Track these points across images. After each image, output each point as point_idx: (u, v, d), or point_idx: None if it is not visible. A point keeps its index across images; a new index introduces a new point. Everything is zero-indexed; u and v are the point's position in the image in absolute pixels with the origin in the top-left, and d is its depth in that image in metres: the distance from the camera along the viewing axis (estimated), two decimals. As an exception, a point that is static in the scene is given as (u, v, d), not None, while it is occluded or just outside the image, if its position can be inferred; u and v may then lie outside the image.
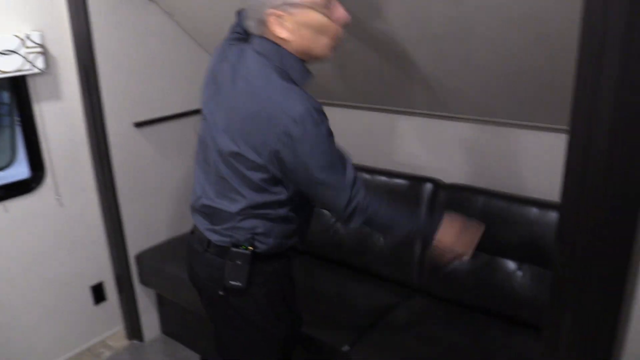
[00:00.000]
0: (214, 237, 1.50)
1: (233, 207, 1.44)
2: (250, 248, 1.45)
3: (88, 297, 2.65)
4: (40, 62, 2.21)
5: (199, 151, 1.54)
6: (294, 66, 1.37)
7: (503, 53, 1.72)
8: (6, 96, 2.59)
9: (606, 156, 1.05)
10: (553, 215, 1.93)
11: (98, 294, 2.68)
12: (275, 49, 1.35)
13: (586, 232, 1.11)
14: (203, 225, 1.54)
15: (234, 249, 1.45)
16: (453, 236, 1.53)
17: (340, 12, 1.37)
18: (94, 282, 2.65)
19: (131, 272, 2.64)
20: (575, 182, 1.09)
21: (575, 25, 1.06)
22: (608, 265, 1.11)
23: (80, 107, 2.40)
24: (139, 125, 2.53)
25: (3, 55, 2.11)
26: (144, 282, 2.66)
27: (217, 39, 1.69)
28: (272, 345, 1.59)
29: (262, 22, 1.35)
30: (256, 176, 1.37)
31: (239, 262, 1.45)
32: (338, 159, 1.35)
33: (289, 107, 1.27)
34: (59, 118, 2.38)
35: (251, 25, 1.40)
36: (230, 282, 1.46)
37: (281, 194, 1.41)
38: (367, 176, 2.40)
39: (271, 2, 1.31)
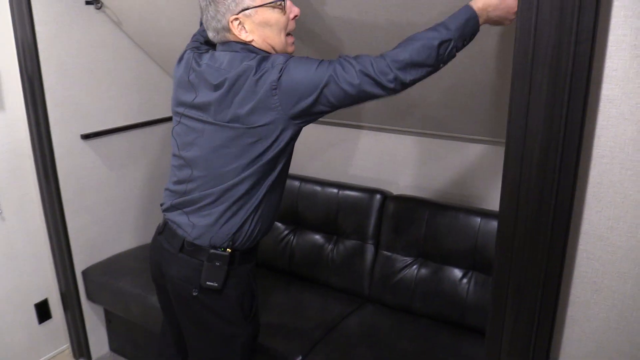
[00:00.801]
0: (192, 234, 1.52)
1: (220, 205, 1.48)
2: (229, 250, 1.50)
3: (32, 315, 2.54)
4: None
5: (175, 152, 1.59)
6: (255, 49, 1.46)
7: (446, 68, 1.79)
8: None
9: (539, 166, 1.11)
10: (495, 225, 2.01)
11: (42, 311, 2.58)
12: (243, 46, 1.46)
13: (522, 238, 1.18)
14: (183, 216, 1.55)
15: (213, 251, 1.50)
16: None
17: (291, 7, 1.47)
18: (38, 299, 2.55)
19: (78, 288, 2.56)
20: (512, 191, 1.15)
21: (510, 44, 1.14)
22: (544, 270, 1.17)
23: (24, 118, 2.33)
24: (86, 137, 2.47)
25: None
26: (91, 298, 2.59)
27: (166, 50, 1.69)
28: (238, 347, 1.61)
29: (226, 30, 1.44)
30: (253, 152, 1.42)
31: (217, 264, 1.50)
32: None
33: (271, 59, 1.39)
34: (1, 129, 2.30)
35: (213, 36, 1.49)
36: (207, 282, 1.50)
37: (269, 177, 1.48)
38: (317, 188, 2.44)
39: (231, 10, 1.41)
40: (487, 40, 1.58)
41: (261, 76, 1.37)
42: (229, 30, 1.44)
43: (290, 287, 2.41)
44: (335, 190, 2.39)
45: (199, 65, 1.49)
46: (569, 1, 1.01)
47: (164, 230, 1.62)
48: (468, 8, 1.31)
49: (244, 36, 1.44)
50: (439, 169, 2.32)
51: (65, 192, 2.42)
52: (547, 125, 1.08)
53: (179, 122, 1.56)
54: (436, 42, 1.29)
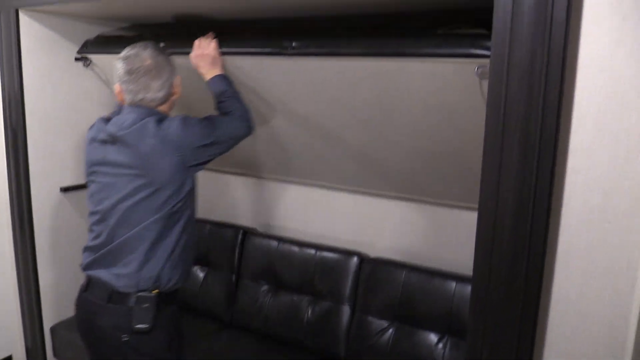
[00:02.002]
0: (118, 284, 1.64)
1: (138, 250, 1.64)
2: (156, 291, 1.63)
3: (-7, 372, 2.44)
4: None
5: (92, 209, 1.75)
6: (163, 117, 1.72)
7: (422, 135, 1.87)
8: None
9: (511, 233, 1.16)
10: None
11: (5, 368, 2.48)
12: (146, 109, 1.69)
13: (495, 303, 1.20)
14: (104, 270, 1.68)
15: (141, 294, 1.63)
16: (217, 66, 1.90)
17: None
18: (2, 355, 2.46)
19: (45, 344, 2.47)
20: (484, 256, 1.19)
21: (482, 112, 1.20)
22: (517, 335, 1.19)
23: (4, 169, 2.33)
24: (66, 190, 2.47)
25: None
26: (58, 355, 2.49)
27: (154, 109, 1.75)
28: None
29: (171, 87, 1.74)
30: (159, 198, 1.62)
31: (145, 305, 1.62)
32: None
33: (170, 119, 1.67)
34: (-21, 179, 2.30)
35: (148, 97, 1.69)
36: (137, 325, 1.61)
37: (180, 220, 1.68)
38: (295, 249, 2.44)
39: (174, 74, 1.75)
40: (463, 110, 1.66)
41: (162, 132, 1.61)
42: (168, 90, 1.72)
43: (265, 348, 2.36)
44: (312, 252, 2.40)
45: (106, 124, 1.70)
46: (536, 76, 1.09)
47: (88, 286, 1.73)
48: (222, 79, 1.87)
49: (175, 95, 1.77)
50: (416, 232, 2.35)
51: (39, 245, 2.39)
52: (518, 193, 1.13)
53: (93, 181, 1.74)
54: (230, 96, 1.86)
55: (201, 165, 1.70)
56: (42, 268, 2.41)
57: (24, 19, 2.20)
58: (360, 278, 2.28)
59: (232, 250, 2.61)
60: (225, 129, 1.75)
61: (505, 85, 1.12)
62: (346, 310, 2.28)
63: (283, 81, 1.94)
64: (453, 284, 2.08)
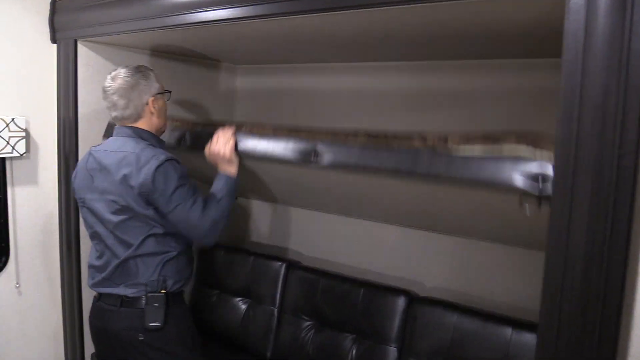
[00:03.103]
0: (128, 292, 1.81)
1: (138, 253, 1.81)
2: (163, 291, 1.81)
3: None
4: (21, 146, 2.21)
5: (88, 232, 1.92)
6: (150, 138, 1.88)
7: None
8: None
9: (583, 280, 1.05)
10: (528, 336, 1.90)
11: (46, 395, 2.47)
12: (133, 130, 1.86)
13: (563, 354, 1.09)
14: (113, 287, 1.84)
15: (150, 294, 1.80)
16: (232, 167, 1.92)
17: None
18: (42, 379, 2.46)
19: (85, 372, 2.46)
20: (553, 305, 1.08)
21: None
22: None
23: (55, 195, 2.37)
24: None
25: (-15, 137, 2.12)
26: (97, 383, 2.47)
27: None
28: None
29: (143, 107, 1.85)
30: (149, 227, 1.79)
31: (156, 305, 1.79)
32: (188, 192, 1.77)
33: (152, 156, 1.75)
34: (33, 203, 2.33)
35: (123, 114, 1.85)
36: (150, 324, 1.77)
37: (174, 232, 1.82)
38: (340, 284, 2.35)
39: (150, 92, 1.86)
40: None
41: (140, 163, 1.73)
42: (144, 109, 1.86)
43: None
44: (358, 288, 2.31)
45: (95, 152, 1.87)
46: (611, 111, 1.00)
47: (101, 297, 1.89)
48: (230, 179, 1.90)
49: (151, 113, 1.87)
50: (469, 271, 2.23)
51: (84, 271, 2.38)
52: (591, 235, 1.03)
53: (83, 206, 1.90)
54: (230, 206, 1.88)
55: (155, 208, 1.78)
56: (87, 294, 2.40)
57: (81, 49, 2.26)
58: (408, 318, 2.16)
59: (275, 283, 2.54)
60: (187, 216, 1.76)
61: (576, 121, 1.03)
62: (392, 352, 2.16)
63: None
64: (509, 330, 1.94)
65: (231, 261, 2.73)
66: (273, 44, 2.11)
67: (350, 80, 2.56)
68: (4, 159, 2.22)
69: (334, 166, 1.65)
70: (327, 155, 1.67)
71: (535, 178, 1.23)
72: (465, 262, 2.25)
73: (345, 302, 2.32)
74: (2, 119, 2.15)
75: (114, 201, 1.78)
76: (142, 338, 1.79)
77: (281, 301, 2.52)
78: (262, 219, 2.97)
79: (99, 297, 1.90)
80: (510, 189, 1.29)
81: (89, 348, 2.45)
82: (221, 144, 1.89)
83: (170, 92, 1.98)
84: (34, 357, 2.41)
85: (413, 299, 2.20)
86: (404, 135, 1.52)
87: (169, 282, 1.84)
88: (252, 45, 2.21)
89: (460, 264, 2.26)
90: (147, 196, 1.73)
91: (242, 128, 1.93)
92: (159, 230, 1.80)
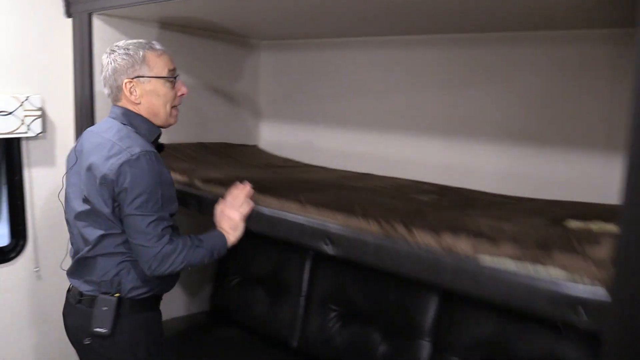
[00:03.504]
0: (83, 288, 1.65)
1: (94, 253, 1.62)
2: (117, 295, 1.61)
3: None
4: (37, 126, 2.12)
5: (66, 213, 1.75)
6: (141, 125, 1.67)
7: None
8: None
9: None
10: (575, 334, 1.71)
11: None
12: (124, 112, 1.67)
13: None
14: (76, 279, 1.69)
15: (101, 296, 1.61)
16: (235, 234, 1.71)
17: (181, 87, 1.72)
18: (66, 365, 2.39)
19: None
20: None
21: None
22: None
23: (73, 176, 2.28)
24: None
25: (-1, 116, 2.03)
26: None
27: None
28: None
29: (119, 89, 1.65)
30: (110, 223, 1.58)
31: (104, 309, 1.60)
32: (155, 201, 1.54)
33: (127, 147, 1.54)
34: (50, 185, 2.24)
35: (107, 93, 1.69)
36: (96, 329, 1.59)
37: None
38: (370, 273, 2.19)
39: (127, 74, 1.63)
40: None
41: (110, 156, 1.54)
42: (121, 90, 1.64)
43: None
44: (389, 277, 2.15)
45: (85, 132, 1.74)
46: None
47: (70, 287, 1.75)
48: (223, 239, 1.69)
49: (132, 98, 1.64)
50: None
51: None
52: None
53: (63, 188, 1.75)
54: (201, 261, 1.64)
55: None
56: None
57: (97, 23, 2.15)
58: (444, 311, 2.00)
59: (302, 271, 2.41)
60: (141, 231, 1.53)
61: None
62: (426, 346, 2.01)
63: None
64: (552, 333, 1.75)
65: (256, 245, 2.60)
66: (299, 12, 1.94)
67: (380, 55, 2.39)
68: (19, 139, 2.14)
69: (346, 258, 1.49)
70: (339, 246, 1.47)
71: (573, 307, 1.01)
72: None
73: (376, 292, 2.17)
74: (15, 97, 2.06)
75: (81, 189, 1.62)
76: (88, 342, 1.63)
77: (308, 289, 2.39)
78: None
79: (69, 288, 1.76)
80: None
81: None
82: (235, 207, 1.69)
83: (170, 77, 1.68)
84: (54, 342, 2.34)
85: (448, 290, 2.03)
86: (426, 225, 1.31)
87: (125, 287, 1.63)
88: (277, 15, 2.05)
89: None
90: (110, 191, 1.54)
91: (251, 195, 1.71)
92: (117, 230, 1.59)
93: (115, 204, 1.56)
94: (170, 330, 2.53)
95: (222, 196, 1.74)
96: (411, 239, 1.29)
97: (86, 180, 1.59)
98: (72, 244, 1.74)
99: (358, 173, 2.39)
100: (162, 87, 1.67)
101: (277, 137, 2.88)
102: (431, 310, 2.03)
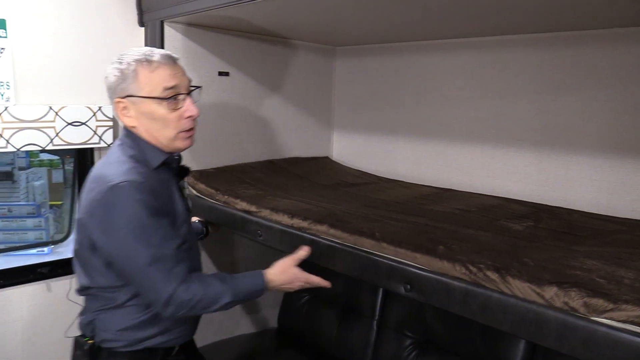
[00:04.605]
0: (76, 322, 1.51)
1: (84, 295, 1.46)
2: (91, 341, 1.42)
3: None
4: (108, 136, 2.11)
5: None
6: (145, 148, 1.42)
7: None
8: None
9: None
10: None
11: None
12: (128, 134, 1.44)
13: None
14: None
15: (78, 338, 1.46)
16: (282, 278, 1.50)
17: (187, 107, 1.42)
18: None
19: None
20: None
21: None
22: None
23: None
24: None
25: (73, 127, 2.02)
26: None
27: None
28: None
29: (114, 109, 1.43)
30: (93, 258, 1.37)
31: (77, 353, 1.44)
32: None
33: (107, 175, 1.32)
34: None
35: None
36: None
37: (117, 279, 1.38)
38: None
39: (117, 92, 1.40)
40: None
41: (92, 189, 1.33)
42: (115, 110, 1.42)
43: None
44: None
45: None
46: None
47: None
48: (260, 278, 1.46)
49: (127, 121, 1.42)
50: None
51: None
52: None
53: None
54: (224, 301, 1.37)
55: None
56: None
57: (168, 31, 2.11)
58: (537, 344, 1.77)
59: (375, 291, 2.24)
60: (145, 262, 1.28)
61: None
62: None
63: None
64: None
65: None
66: (379, 16, 1.78)
67: (464, 58, 2.19)
68: (92, 149, 2.13)
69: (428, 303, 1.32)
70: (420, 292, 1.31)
71: None
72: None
73: (458, 319, 1.96)
74: (89, 107, 2.05)
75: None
76: None
77: (382, 312, 2.21)
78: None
79: None
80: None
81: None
82: (302, 282, 1.52)
83: (163, 98, 1.38)
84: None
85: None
86: (525, 273, 1.12)
87: (101, 333, 1.41)
88: (358, 18, 1.90)
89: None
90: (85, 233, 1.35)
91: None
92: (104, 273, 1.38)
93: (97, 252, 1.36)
94: (235, 348, 2.45)
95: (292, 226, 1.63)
96: (506, 289, 1.10)
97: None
98: None
99: (438, 189, 2.21)
100: (157, 109, 1.38)
101: (351, 148, 2.75)
102: (523, 341, 1.80)
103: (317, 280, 1.54)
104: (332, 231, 1.55)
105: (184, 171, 1.58)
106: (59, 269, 2.14)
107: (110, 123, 2.10)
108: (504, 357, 1.82)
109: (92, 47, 2.08)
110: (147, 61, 1.37)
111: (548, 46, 1.93)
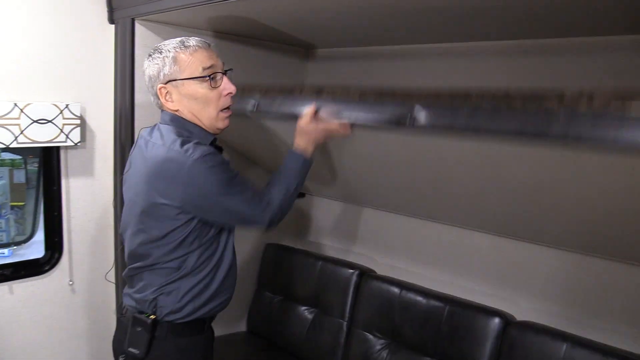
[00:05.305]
0: (127, 301, 1.60)
1: (142, 275, 1.55)
2: (153, 316, 1.50)
3: (86, 400, 2.29)
4: (75, 135, 2.06)
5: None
6: (193, 130, 1.52)
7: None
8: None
9: None
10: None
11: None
12: (173, 117, 1.53)
13: None
14: (125, 290, 1.64)
15: (137, 315, 1.53)
16: (305, 139, 1.63)
17: (225, 85, 1.52)
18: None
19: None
20: None
21: None
22: None
23: (111, 187, 2.21)
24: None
25: (38, 124, 1.97)
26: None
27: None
28: None
29: (156, 96, 1.52)
30: (163, 227, 1.47)
31: (139, 329, 1.51)
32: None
33: (180, 151, 1.42)
34: (87, 196, 2.19)
35: (152, 100, 1.56)
36: (130, 348, 1.51)
37: (188, 255, 1.49)
38: (421, 300, 2.03)
39: (159, 79, 1.49)
40: None
41: (169, 168, 1.42)
42: (157, 97, 1.51)
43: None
44: (441, 304, 1.98)
45: (140, 140, 1.59)
46: None
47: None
48: (293, 154, 1.61)
49: (170, 105, 1.51)
50: (577, 293, 1.85)
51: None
52: None
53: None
54: (292, 188, 1.58)
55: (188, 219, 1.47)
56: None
57: (139, 29, 2.07)
58: (503, 346, 1.81)
59: (345, 294, 2.26)
60: (239, 205, 1.49)
61: None
62: (483, 383, 1.83)
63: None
64: (634, 370, 1.55)
65: (297, 265, 2.48)
66: (358, 13, 1.77)
67: (439, 65, 2.17)
68: (58, 148, 2.08)
69: (434, 127, 1.35)
70: (425, 116, 1.35)
71: None
72: (572, 282, 1.87)
73: (426, 321, 2.00)
74: (55, 105, 2.00)
75: (133, 200, 1.57)
76: (122, 358, 1.56)
77: (352, 314, 2.24)
78: (332, 218, 2.69)
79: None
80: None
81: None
82: (320, 124, 1.62)
83: (205, 76, 1.49)
84: (85, 357, 2.26)
85: (509, 323, 1.84)
86: (533, 95, 1.15)
87: (163, 308, 1.52)
88: (330, 18, 1.90)
89: (566, 283, 1.88)
90: (173, 201, 1.45)
91: (322, 94, 1.66)
92: (170, 246, 1.50)
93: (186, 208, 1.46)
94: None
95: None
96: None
97: (145, 191, 1.47)
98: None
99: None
100: (199, 89, 1.49)
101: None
102: (489, 343, 1.85)
103: (335, 126, 1.61)
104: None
105: (220, 150, 1.64)
106: (22, 270, 2.08)
107: (78, 121, 2.05)
108: (470, 358, 1.86)
109: (59, 44, 2.03)
110: (184, 46, 1.48)
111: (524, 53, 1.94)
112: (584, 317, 1.83)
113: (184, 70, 1.47)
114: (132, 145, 2.05)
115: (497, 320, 1.84)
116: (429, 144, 1.72)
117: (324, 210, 2.72)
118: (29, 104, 1.94)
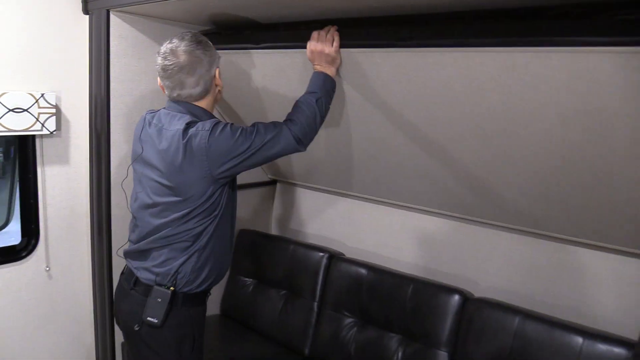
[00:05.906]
0: (142, 275, 1.70)
1: (162, 250, 1.68)
2: (172, 288, 1.64)
3: (65, 384, 2.35)
4: (51, 124, 2.09)
5: (132, 202, 1.80)
6: (201, 114, 1.67)
7: (558, 154, 1.54)
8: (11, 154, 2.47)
9: None
10: (603, 348, 1.66)
11: (76, 381, 2.38)
12: (185, 105, 1.67)
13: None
14: (135, 265, 1.74)
15: (157, 287, 1.65)
16: (324, 60, 1.73)
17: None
18: (72, 367, 2.37)
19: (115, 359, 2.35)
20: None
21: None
22: None
23: (86, 175, 2.25)
24: (147, 198, 2.35)
25: (14, 113, 2.00)
26: (127, 372, 2.36)
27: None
28: None
29: (211, 82, 1.68)
30: (186, 206, 1.62)
31: (159, 300, 1.64)
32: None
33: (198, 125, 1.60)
34: (63, 184, 2.22)
35: (190, 92, 1.65)
36: (148, 318, 1.63)
37: (206, 228, 1.66)
38: (389, 280, 2.16)
39: (216, 63, 1.69)
40: (622, 122, 1.33)
41: (189, 140, 1.57)
42: (211, 85, 1.69)
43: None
44: (406, 284, 2.11)
45: (149, 125, 1.72)
46: None
47: (124, 270, 1.83)
48: (316, 76, 1.74)
49: (218, 82, 1.71)
50: (532, 272, 2.01)
51: (116, 255, 2.27)
52: None
53: (135, 171, 1.78)
54: (321, 103, 1.70)
55: (230, 176, 1.66)
56: (117, 278, 2.29)
57: (114, 20, 2.11)
58: (462, 320, 1.95)
59: (315, 276, 2.37)
60: (268, 140, 1.62)
61: None
62: (443, 356, 1.97)
63: (394, 80, 1.68)
64: (579, 340, 1.70)
65: (269, 249, 2.57)
66: None
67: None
68: (33, 136, 2.11)
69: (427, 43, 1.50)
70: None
71: None
72: (527, 262, 2.03)
73: (391, 300, 2.13)
74: (31, 94, 2.02)
75: (157, 178, 1.69)
76: (137, 328, 1.67)
77: (322, 295, 2.35)
78: (303, 206, 2.80)
79: (124, 270, 1.84)
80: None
81: (120, 336, 2.34)
82: (325, 41, 1.70)
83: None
84: (64, 343, 2.32)
85: (467, 299, 1.99)
86: None
87: (181, 282, 1.68)
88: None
89: (521, 263, 2.04)
90: (213, 161, 1.59)
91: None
92: (195, 220, 1.65)
93: (220, 175, 1.60)
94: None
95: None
96: None
97: (175, 169, 1.60)
98: (134, 230, 1.78)
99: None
100: (218, 77, 1.72)
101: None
102: (449, 318, 1.98)
103: (336, 44, 1.71)
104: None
105: None
106: (-1, 256, 2.12)
107: (53, 110, 2.08)
108: (432, 333, 2.00)
109: (34, 33, 2.04)
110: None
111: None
112: (537, 295, 1.99)
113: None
114: (108, 136, 2.14)
115: (456, 297, 1.98)
116: (391, 130, 1.85)
117: (296, 198, 2.83)
118: (4, 93, 1.96)
